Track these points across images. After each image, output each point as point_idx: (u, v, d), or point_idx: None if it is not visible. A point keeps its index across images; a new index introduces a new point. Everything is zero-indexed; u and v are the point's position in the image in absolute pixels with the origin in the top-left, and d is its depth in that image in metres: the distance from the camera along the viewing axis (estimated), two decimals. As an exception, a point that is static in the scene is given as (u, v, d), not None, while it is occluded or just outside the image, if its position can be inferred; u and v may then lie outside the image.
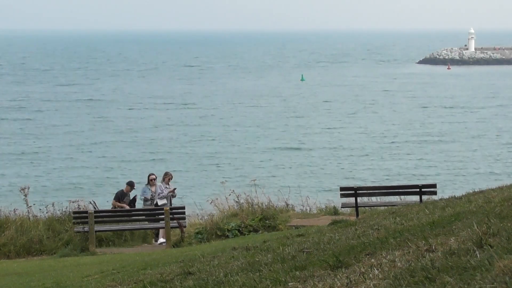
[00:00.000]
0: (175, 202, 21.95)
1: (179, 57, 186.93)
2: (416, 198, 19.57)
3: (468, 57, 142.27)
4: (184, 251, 14.91)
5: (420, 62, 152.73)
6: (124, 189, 21.31)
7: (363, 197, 20.68)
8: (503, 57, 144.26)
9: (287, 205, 22.20)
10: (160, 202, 20.40)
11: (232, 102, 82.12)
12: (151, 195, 20.79)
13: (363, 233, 8.98)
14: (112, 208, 20.81)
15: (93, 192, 37.42)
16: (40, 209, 20.79)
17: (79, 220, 18.93)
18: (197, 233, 19.84)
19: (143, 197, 20.86)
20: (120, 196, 21.10)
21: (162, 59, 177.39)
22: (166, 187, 20.74)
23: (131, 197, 21.34)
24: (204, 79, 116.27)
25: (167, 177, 20.93)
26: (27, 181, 36.14)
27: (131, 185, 21.31)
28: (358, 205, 19.85)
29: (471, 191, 13.58)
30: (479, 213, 8.30)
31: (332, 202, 23.13)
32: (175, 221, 19.03)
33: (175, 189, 20.98)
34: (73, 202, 20.79)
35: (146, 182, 21.24)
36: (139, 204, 21.25)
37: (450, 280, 4.86)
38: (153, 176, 21.18)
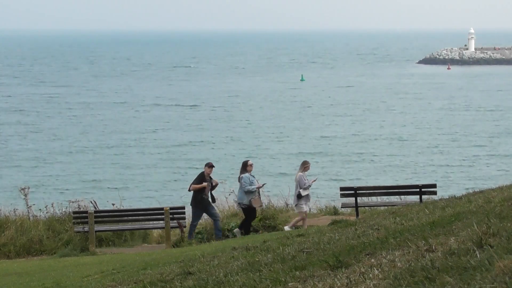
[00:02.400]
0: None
1: (178, 57, 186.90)
2: (416, 198, 19.58)
3: (468, 57, 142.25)
4: (184, 251, 14.91)
5: (420, 62, 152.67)
6: (205, 170, 19.88)
7: (363, 197, 20.69)
8: (503, 57, 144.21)
9: (287, 205, 22.20)
10: (304, 193, 19.29)
11: (232, 103, 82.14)
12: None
13: (363, 233, 8.98)
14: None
15: (93, 192, 37.42)
16: (40, 209, 20.77)
17: (79, 220, 18.92)
18: (197, 233, 19.83)
19: (254, 188, 19.19)
20: (201, 180, 19.77)
21: (162, 60, 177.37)
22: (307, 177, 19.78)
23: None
24: (203, 80, 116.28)
25: (307, 166, 19.79)
26: (27, 182, 36.18)
27: (210, 165, 19.94)
28: (358, 205, 19.86)
29: (471, 191, 13.59)
30: (479, 213, 8.30)
31: (332, 202, 23.15)
32: (175, 221, 19.01)
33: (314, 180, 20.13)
34: (73, 202, 20.76)
35: (243, 170, 19.53)
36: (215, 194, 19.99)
37: (450, 280, 4.86)
38: (251, 162, 19.87)
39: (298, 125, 63.98)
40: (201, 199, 19.62)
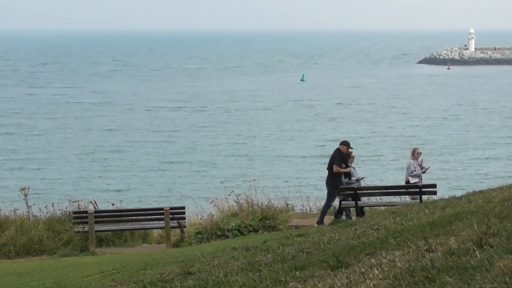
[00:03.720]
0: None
1: (177, 58, 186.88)
2: (416, 198, 19.54)
3: (468, 57, 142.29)
4: (184, 251, 14.91)
5: (420, 62, 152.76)
6: (340, 148, 19.22)
7: (363, 197, 20.65)
8: (503, 57, 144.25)
9: (287, 205, 22.17)
10: (412, 181, 19.59)
11: (233, 104, 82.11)
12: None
13: (363, 233, 8.98)
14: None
15: (93, 193, 37.41)
16: (40, 209, 20.76)
17: (79, 220, 18.91)
18: (197, 233, 19.81)
19: (353, 180, 19.33)
20: (342, 159, 19.03)
21: (162, 60, 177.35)
22: (418, 165, 19.89)
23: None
24: (203, 81, 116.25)
25: (416, 153, 19.98)
26: (27, 182, 36.18)
27: (348, 144, 19.32)
28: (358, 205, 19.82)
29: (471, 191, 13.60)
30: (479, 213, 8.31)
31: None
32: (175, 221, 19.01)
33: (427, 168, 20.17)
34: (73, 202, 20.74)
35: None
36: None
37: (450, 280, 4.86)
38: (353, 154, 19.66)
39: (299, 126, 63.95)
40: (339, 180, 19.21)
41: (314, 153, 50.07)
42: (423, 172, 20.44)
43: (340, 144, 19.59)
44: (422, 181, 20.28)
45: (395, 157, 48.79)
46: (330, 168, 19.16)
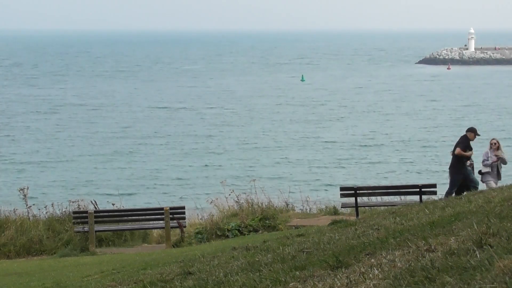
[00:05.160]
0: None
1: (178, 58, 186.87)
2: (416, 198, 19.56)
3: (468, 57, 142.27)
4: (184, 251, 14.91)
5: (420, 62, 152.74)
6: (467, 135, 19.37)
7: (363, 197, 20.66)
8: (503, 57, 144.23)
9: (287, 205, 22.17)
10: (484, 170, 19.64)
11: (233, 103, 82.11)
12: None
13: (363, 233, 8.98)
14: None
15: (93, 193, 37.42)
16: (39, 209, 20.76)
17: (79, 220, 18.92)
18: (197, 233, 19.80)
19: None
20: (467, 145, 19.20)
21: (159, 60, 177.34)
22: (492, 155, 19.73)
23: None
24: (202, 81, 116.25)
25: (491, 144, 19.93)
26: (27, 182, 36.19)
27: (475, 131, 19.43)
28: (358, 205, 19.83)
29: (471, 191, 13.60)
30: (479, 213, 8.31)
31: (332, 202, 23.12)
32: (175, 221, 19.01)
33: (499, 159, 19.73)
34: (73, 202, 20.74)
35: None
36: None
37: (450, 280, 4.86)
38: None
39: (300, 127, 63.94)
40: (463, 166, 19.26)
41: (314, 153, 50.04)
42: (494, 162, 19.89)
43: (467, 131, 19.71)
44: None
45: (397, 158, 48.78)
46: (454, 153, 19.40)
